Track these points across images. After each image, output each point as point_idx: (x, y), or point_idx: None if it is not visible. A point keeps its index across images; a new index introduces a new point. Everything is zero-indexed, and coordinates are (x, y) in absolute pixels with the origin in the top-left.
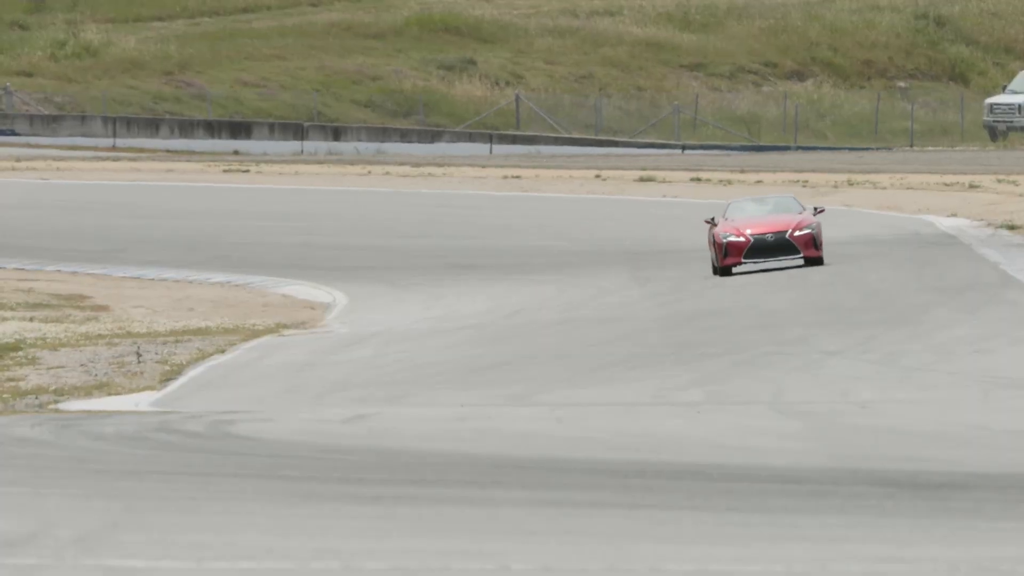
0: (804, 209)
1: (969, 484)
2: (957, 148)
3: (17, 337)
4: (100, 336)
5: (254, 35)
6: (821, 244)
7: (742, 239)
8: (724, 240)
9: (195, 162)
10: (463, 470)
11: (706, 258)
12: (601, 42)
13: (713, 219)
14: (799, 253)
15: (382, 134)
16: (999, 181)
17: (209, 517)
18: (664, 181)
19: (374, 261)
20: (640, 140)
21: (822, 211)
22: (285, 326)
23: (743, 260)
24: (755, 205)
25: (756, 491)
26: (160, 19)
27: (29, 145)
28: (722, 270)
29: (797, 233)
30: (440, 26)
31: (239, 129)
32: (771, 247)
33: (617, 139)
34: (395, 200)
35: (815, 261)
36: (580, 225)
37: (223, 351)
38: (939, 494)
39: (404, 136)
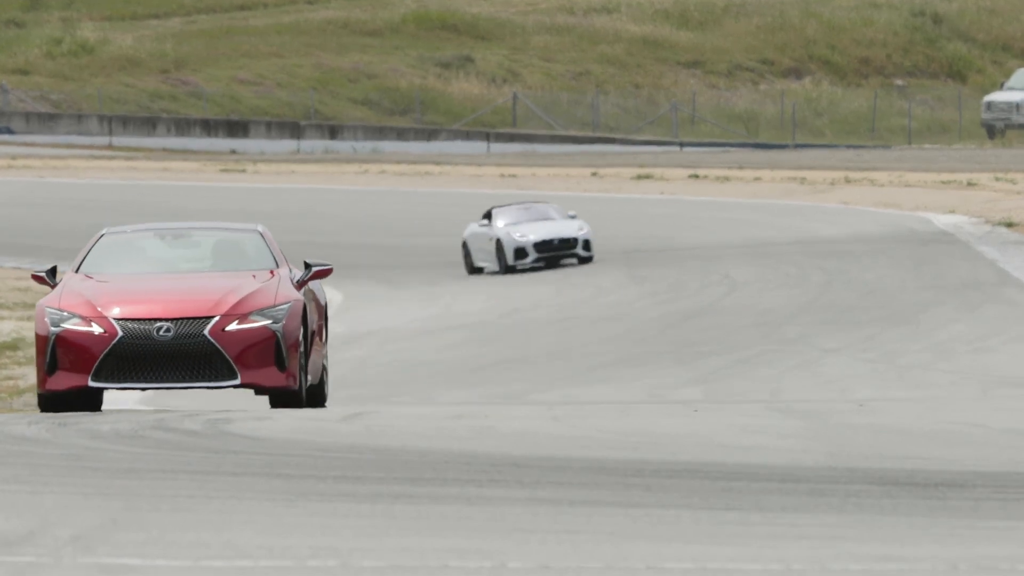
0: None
1: (968, 483)
2: (955, 146)
3: (15, 336)
4: None
5: (251, 33)
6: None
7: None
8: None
9: (192, 161)
10: (461, 469)
11: (705, 257)
12: (598, 39)
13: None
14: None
15: (379, 133)
16: (997, 179)
17: (207, 515)
18: (662, 179)
19: (371, 260)
20: (637, 137)
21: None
22: None
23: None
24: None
25: (754, 490)
26: (156, 17)
27: (25, 143)
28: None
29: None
30: (437, 23)
31: (236, 128)
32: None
33: (614, 136)
34: (392, 199)
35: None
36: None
37: None
38: (938, 493)
39: (401, 135)
